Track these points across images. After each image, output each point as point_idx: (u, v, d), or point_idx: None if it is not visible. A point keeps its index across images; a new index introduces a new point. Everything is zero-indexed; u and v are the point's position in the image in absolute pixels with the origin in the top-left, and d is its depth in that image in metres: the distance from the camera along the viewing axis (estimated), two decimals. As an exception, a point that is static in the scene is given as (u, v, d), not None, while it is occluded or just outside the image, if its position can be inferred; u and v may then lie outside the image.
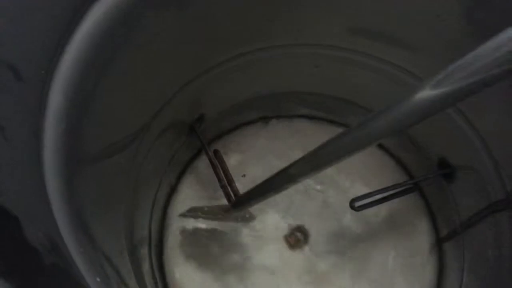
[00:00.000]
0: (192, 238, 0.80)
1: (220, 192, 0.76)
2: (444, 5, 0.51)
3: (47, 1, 0.39)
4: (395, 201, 0.73)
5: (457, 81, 0.30)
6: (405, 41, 0.61)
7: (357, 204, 0.68)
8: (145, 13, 0.48)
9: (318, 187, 0.84)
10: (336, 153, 0.42)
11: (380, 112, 0.36)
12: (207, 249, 0.80)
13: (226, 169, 0.74)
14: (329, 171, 0.84)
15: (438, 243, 0.81)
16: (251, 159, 0.84)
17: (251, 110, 0.85)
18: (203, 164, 0.86)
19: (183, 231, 0.81)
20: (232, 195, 0.71)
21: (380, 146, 0.87)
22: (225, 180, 0.73)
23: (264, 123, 0.89)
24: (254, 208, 0.77)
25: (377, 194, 0.70)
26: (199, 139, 0.76)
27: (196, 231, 0.81)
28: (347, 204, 0.69)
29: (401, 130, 0.36)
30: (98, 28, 0.43)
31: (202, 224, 0.81)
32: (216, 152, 0.78)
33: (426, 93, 0.32)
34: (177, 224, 0.81)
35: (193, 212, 0.81)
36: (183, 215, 0.81)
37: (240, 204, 0.68)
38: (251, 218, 0.81)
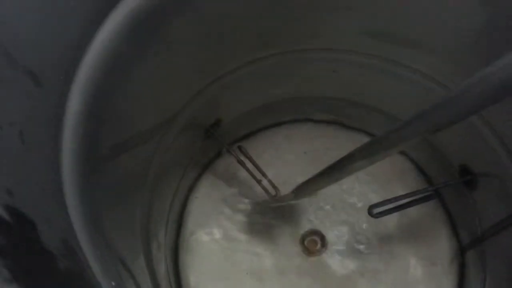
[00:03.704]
0: (207, 244, 0.80)
1: (239, 195, 0.76)
2: (467, 9, 0.50)
3: (66, 7, 0.39)
4: (415, 208, 0.71)
5: None
6: (424, 45, 0.60)
7: (376, 210, 0.67)
8: (164, 19, 0.48)
9: (336, 193, 0.83)
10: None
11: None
12: (222, 256, 0.79)
13: (256, 164, 0.75)
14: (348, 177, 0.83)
15: (460, 252, 0.79)
16: (267, 163, 0.84)
17: (267, 114, 0.85)
18: (221, 167, 0.86)
19: (199, 237, 0.81)
20: (271, 186, 0.74)
21: (401, 152, 0.86)
22: (259, 173, 0.75)
23: (281, 128, 0.89)
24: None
25: (396, 201, 0.68)
26: (218, 140, 0.76)
27: (211, 237, 0.81)
28: (366, 211, 0.68)
29: None
30: (117, 35, 0.44)
31: (217, 231, 0.81)
32: (240, 148, 0.79)
33: None
34: (193, 229, 0.81)
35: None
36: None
37: (301, 190, 0.68)
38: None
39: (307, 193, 0.68)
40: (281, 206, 0.79)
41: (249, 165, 0.76)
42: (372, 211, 0.67)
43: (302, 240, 0.81)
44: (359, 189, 0.83)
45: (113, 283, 0.42)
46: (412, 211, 0.75)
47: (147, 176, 0.61)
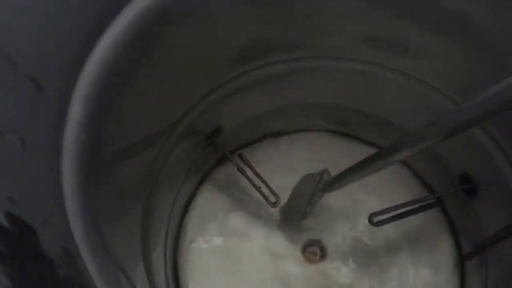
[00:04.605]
0: (207, 251, 0.80)
1: (240, 203, 0.75)
2: (470, 17, 0.50)
3: (68, 12, 0.39)
4: (415, 216, 0.71)
5: None
6: (427, 54, 0.60)
7: (376, 219, 0.67)
8: (168, 25, 0.48)
9: (336, 201, 0.82)
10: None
11: None
12: (221, 263, 0.79)
13: (256, 171, 0.75)
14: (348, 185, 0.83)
15: (460, 261, 0.79)
16: (267, 172, 0.84)
17: (268, 123, 0.85)
18: (222, 174, 0.85)
19: (198, 244, 0.80)
20: (272, 195, 0.74)
21: (401, 161, 0.86)
22: (259, 181, 0.75)
23: (286, 136, 0.89)
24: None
25: (397, 209, 0.68)
26: (220, 148, 0.76)
27: (211, 244, 0.80)
28: (366, 219, 0.67)
29: None
30: (119, 41, 0.44)
31: (218, 238, 0.81)
32: (240, 156, 0.78)
33: None
34: (192, 237, 0.81)
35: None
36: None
37: (333, 184, 0.67)
38: None
39: (337, 187, 0.68)
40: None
41: (249, 172, 0.76)
42: (373, 220, 0.67)
43: (302, 249, 0.81)
44: (360, 198, 0.83)
45: (112, 291, 0.41)
46: (413, 219, 0.75)
47: (147, 182, 0.61)
